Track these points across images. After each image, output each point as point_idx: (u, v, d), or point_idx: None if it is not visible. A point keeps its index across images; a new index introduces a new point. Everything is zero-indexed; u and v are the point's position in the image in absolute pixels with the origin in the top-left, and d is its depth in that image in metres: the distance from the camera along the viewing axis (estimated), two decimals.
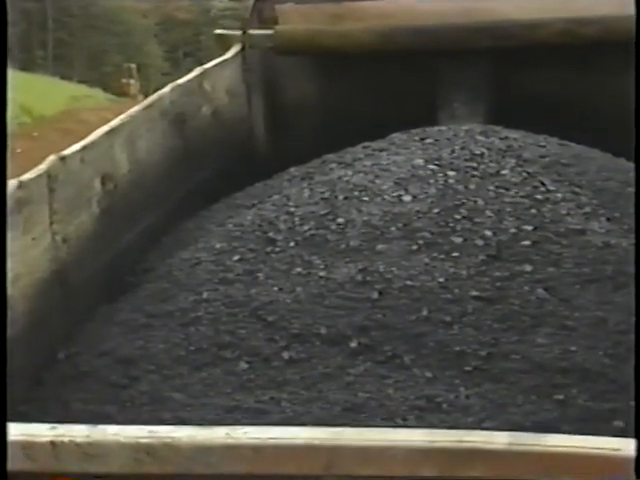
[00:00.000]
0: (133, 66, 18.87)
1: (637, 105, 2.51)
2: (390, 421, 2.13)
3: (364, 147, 3.45)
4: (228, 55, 4.43)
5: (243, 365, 2.37)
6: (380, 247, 2.59)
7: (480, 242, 2.60)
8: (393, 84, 4.45)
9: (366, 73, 4.47)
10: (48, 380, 2.54)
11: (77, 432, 1.61)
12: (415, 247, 2.58)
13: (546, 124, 3.92)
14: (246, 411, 2.23)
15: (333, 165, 3.32)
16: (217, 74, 4.22)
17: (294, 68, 4.57)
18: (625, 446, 1.47)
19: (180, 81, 3.84)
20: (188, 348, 2.47)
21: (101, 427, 1.62)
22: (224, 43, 4.57)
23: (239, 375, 2.35)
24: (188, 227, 3.38)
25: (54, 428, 1.63)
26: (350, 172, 3.05)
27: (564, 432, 2.10)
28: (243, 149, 4.38)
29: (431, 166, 2.93)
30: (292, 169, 3.55)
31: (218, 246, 2.87)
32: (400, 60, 4.36)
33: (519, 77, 4.38)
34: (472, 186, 2.84)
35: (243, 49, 4.50)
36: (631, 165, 3.46)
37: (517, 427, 2.11)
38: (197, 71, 4.03)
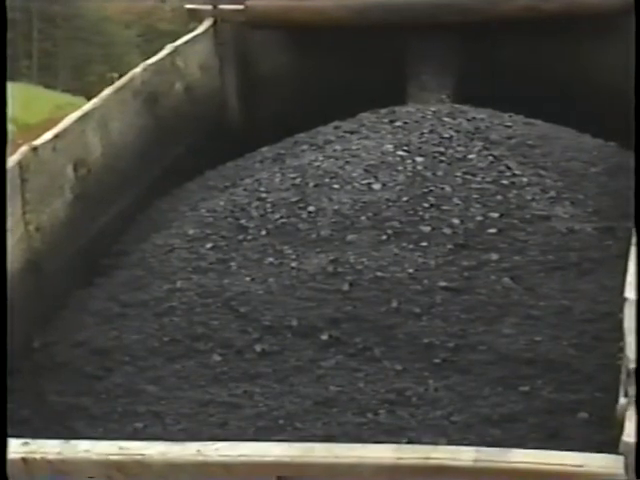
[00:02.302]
0: (116, 76, 18.49)
1: (637, 99, 2.46)
2: (361, 416, 2.10)
3: (335, 127, 3.38)
4: (200, 30, 4.32)
5: (216, 357, 2.33)
6: (350, 237, 2.54)
7: (448, 231, 2.56)
8: (364, 58, 4.38)
9: (338, 47, 4.39)
10: (24, 370, 2.49)
11: (49, 448, 1.57)
12: (384, 237, 2.53)
13: (512, 96, 3.88)
14: (220, 405, 2.19)
15: (304, 147, 3.26)
16: (189, 50, 4.12)
17: (267, 41, 4.48)
18: (589, 462, 1.44)
19: (152, 60, 3.74)
20: (162, 339, 2.42)
21: (72, 442, 1.58)
22: (195, 18, 4.46)
23: (212, 367, 2.30)
24: (162, 208, 3.31)
25: (26, 444, 1.58)
26: (321, 157, 2.98)
27: (530, 424, 2.09)
28: (216, 122, 4.29)
29: (400, 152, 2.88)
30: (264, 149, 3.48)
31: (191, 232, 2.81)
32: (371, 35, 4.28)
33: (486, 50, 4.32)
34: (440, 172, 2.78)
35: (215, 23, 4.40)
36: (596, 142, 3.43)
37: (484, 420, 2.08)
38: (169, 49, 3.93)
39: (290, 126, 3.75)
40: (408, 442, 2.03)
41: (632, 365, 1.53)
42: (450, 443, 2.03)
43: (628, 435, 1.42)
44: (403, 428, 2.06)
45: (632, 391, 1.54)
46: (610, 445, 1.75)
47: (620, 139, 3.40)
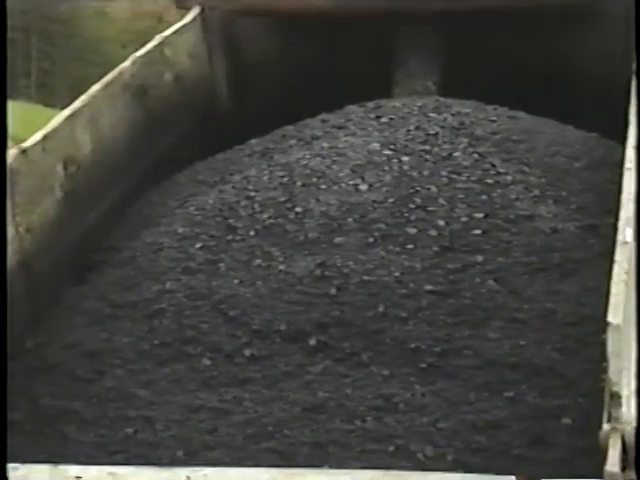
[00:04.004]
0: None
1: (638, 99, 2.43)
2: (349, 423, 2.08)
3: (322, 121, 3.33)
4: (188, 19, 4.25)
5: (206, 361, 2.30)
6: (337, 240, 2.51)
7: (433, 232, 2.52)
8: (352, 45, 4.32)
9: (326, 34, 4.33)
10: (17, 371, 2.45)
11: (38, 474, 1.54)
12: (371, 240, 2.49)
13: (497, 83, 3.84)
14: (210, 411, 2.17)
15: (292, 142, 3.21)
16: (178, 39, 4.05)
17: (254, 28, 4.42)
18: None
19: (140, 52, 3.67)
20: (152, 342, 2.39)
21: (62, 468, 1.55)
22: (183, 7, 4.39)
23: (202, 372, 2.28)
24: (152, 201, 3.26)
25: (16, 469, 1.55)
26: (308, 154, 2.94)
27: (514, 430, 2.07)
28: (206, 109, 4.24)
29: (386, 151, 2.83)
30: (253, 141, 3.43)
31: (180, 231, 2.77)
32: (359, 22, 4.23)
33: (472, 38, 4.27)
34: (426, 172, 2.74)
35: (202, 12, 4.33)
36: (579, 134, 3.39)
37: (470, 427, 2.06)
38: (157, 39, 3.86)
39: (279, 111, 3.71)
40: (395, 449, 2.01)
41: (615, 388, 1.51)
42: (436, 450, 2.02)
43: (612, 465, 1.39)
44: (390, 435, 2.04)
45: (615, 413, 1.52)
46: (593, 451, 1.74)
47: (603, 127, 3.37)
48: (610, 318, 1.52)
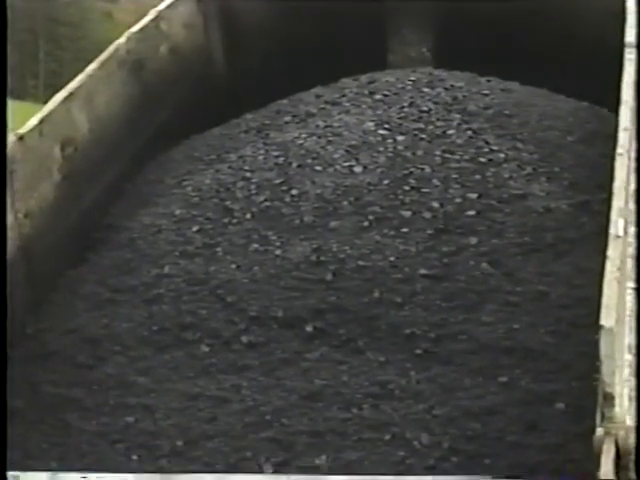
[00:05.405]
0: None
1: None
2: (346, 411, 2.05)
3: (317, 97, 3.26)
4: None
5: (204, 348, 2.26)
6: (333, 224, 2.46)
7: (428, 215, 2.47)
8: (346, 12, 4.24)
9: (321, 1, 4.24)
10: (17, 358, 2.42)
11: None
12: (366, 223, 2.44)
13: (491, 49, 3.77)
14: (209, 399, 2.14)
15: (287, 118, 3.14)
16: (173, 11, 3.96)
17: None
18: None
19: (135, 28, 3.59)
20: (151, 328, 2.35)
21: (61, 475, 1.52)
22: None
23: (201, 359, 2.24)
24: (149, 178, 3.21)
25: (16, 478, 1.52)
26: (304, 134, 2.87)
27: (508, 416, 2.04)
28: (202, 78, 4.17)
29: (381, 131, 2.77)
30: (248, 116, 3.37)
31: (178, 212, 2.72)
32: None
33: (465, 3, 4.18)
34: (420, 152, 2.68)
35: None
36: (570, 105, 3.32)
37: (465, 413, 2.04)
38: (152, 14, 3.77)
39: (274, 81, 3.65)
40: (392, 437, 1.99)
41: (609, 389, 1.48)
42: (432, 438, 1.99)
43: (606, 473, 1.36)
44: (387, 423, 2.01)
45: (609, 414, 1.49)
46: (585, 436, 1.71)
47: (595, 94, 3.30)
48: (603, 321, 1.48)
